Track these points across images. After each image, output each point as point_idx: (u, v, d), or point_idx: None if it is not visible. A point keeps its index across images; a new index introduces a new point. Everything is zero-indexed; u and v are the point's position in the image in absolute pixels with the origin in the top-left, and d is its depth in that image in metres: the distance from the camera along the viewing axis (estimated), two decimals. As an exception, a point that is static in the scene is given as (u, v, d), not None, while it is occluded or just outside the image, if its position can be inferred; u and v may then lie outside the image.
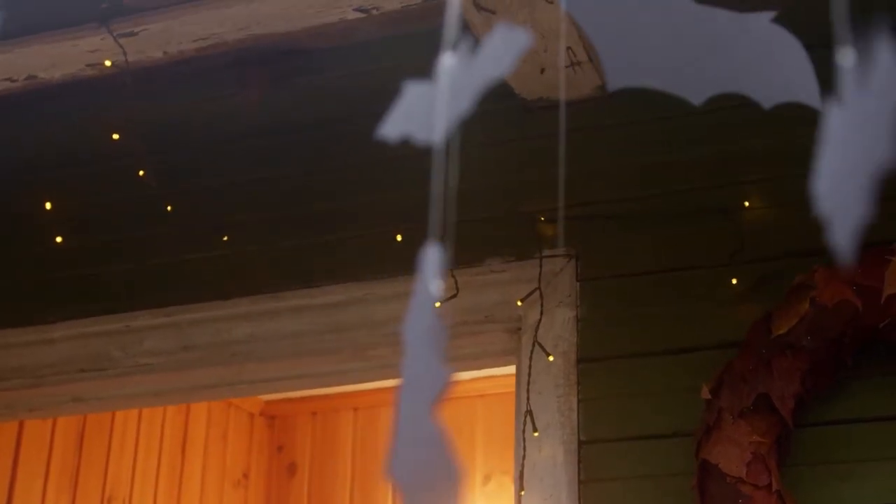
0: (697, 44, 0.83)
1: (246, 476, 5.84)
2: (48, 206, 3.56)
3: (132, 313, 3.44)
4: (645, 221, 3.05)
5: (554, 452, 2.92)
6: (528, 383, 2.99)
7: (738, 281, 2.91)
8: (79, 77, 3.16)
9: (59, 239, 3.54)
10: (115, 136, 3.38)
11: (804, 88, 0.80)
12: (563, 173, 3.02)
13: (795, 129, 3.01)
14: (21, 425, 4.51)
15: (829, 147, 0.62)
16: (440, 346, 0.68)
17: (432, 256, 0.68)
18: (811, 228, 2.89)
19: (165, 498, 5.26)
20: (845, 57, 0.63)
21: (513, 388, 5.40)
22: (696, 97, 0.82)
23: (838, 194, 0.62)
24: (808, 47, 0.78)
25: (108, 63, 3.00)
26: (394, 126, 0.73)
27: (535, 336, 3.01)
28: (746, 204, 2.97)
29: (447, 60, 0.72)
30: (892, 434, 2.72)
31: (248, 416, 5.92)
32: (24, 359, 3.51)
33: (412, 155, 3.30)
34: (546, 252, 3.09)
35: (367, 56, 3.31)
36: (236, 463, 5.79)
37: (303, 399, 5.90)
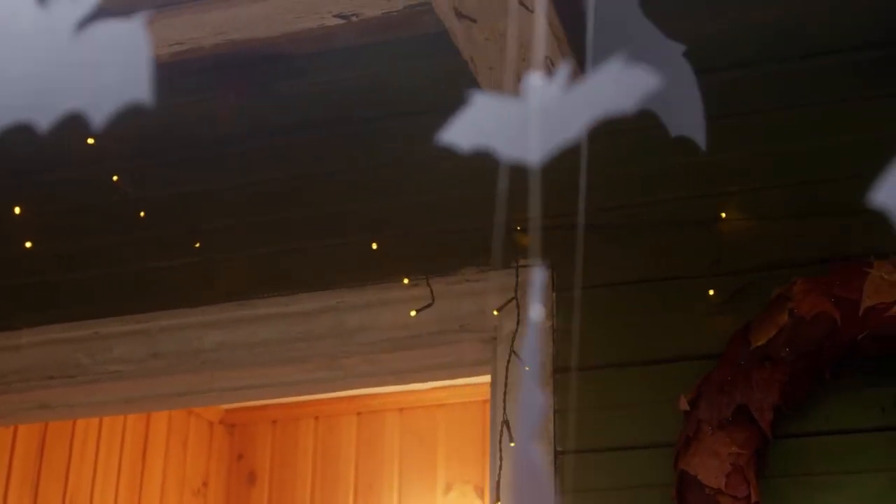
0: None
1: (206, 484, 5.80)
2: (17, 210, 3.51)
3: (101, 320, 3.40)
4: (622, 232, 3.05)
5: (530, 463, 2.91)
6: (505, 393, 2.98)
7: (715, 292, 2.91)
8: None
9: (28, 244, 3.49)
10: (90, 141, 3.34)
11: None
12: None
13: (773, 141, 3.01)
14: (-18, 432, 4.46)
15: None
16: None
17: (538, 279, 0.66)
18: (789, 240, 2.91)
19: (126, 506, 5.22)
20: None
21: (475, 398, 5.41)
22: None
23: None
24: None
25: (83, 66, 2.96)
26: (464, 136, 0.70)
27: (513, 346, 2.99)
28: (723, 215, 2.97)
29: (534, 80, 0.70)
30: (869, 446, 2.73)
31: (208, 424, 5.88)
32: (-9, 365, 3.46)
33: (389, 163, 3.29)
34: (522, 261, 3.08)
35: (347, 62, 3.28)
36: (196, 471, 5.75)
37: (263, 407, 5.86)
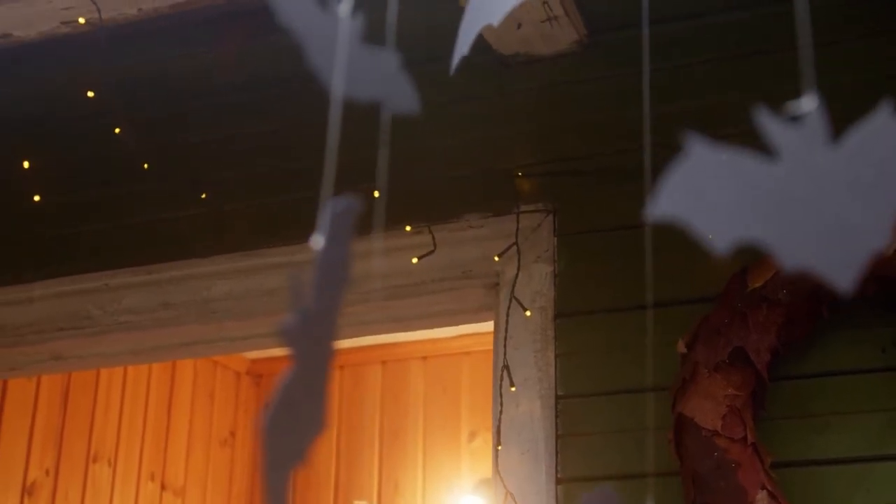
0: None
1: (233, 434, 5.86)
2: (26, 164, 3.54)
3: (111, 271, 3.43)
4: (622, 176, 3.04)
5: (531, 407, 2.93)
6: (506, 339, 2.99)
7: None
8: (54, 35, 3.14)
9: (37, 197, 3.52)
10: (90, 94, 3.36)
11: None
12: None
13: (773, 83, 3.00)
14: (5, 384, 4.51)
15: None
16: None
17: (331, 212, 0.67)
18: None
19: (151, 457, 5.28)
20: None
21: (498, 346, 5.42)
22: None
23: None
24: None
25: (81, 20, 2.98)
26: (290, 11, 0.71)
27: (513, 291, 3.01)
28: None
29: (344, 7, 0.71)
30: (866, 387, 2.72)
31: (235, 374, 5.93)
32: (4, 318, 3.50)
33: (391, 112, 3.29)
34: (523, 207, 3.09)
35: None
36: (223, 422, 5.80)
37: (289, 358, 5.91)
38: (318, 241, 0.66)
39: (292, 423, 0.68)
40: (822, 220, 0.60)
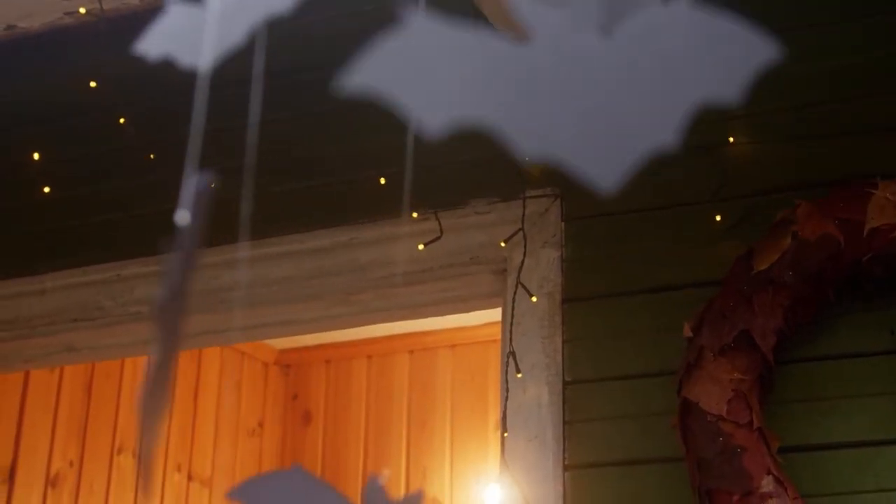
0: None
1: (261, 425, 5.86)
2: (36, 156, 3.55)
3: (121, 262, 3.43)
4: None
5: (539, 393, 2.90)
6: (512, 325, 2.97)
7: (721, 218, 2.88)
8: (58, 26, 3.14)
9: (46, 189, 3.53)
10: (93, 84, 3.36)
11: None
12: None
13: (780, 64, 2.96)
14: (27, 375, 4.52)
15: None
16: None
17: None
18: (795, 163, 2.85)
19: (177, 447, 5.29)
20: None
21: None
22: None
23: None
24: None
25: (82, 11, 2.98)
26: (153, 44, 0.70)
27: (519, 277, 2.98)
28: (731, 140, 2.93)
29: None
30: (874, 369, 2.68)
31: (263, 365, 5.94)
32: (16, 310, 3.51)
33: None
34: (530, 192, 3.06)
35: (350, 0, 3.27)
36: (251, 412, 5.81)
37: (317, 347, 5.91)
38: (183, 216, 0.64)
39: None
40: (591, 112, 0.56)
